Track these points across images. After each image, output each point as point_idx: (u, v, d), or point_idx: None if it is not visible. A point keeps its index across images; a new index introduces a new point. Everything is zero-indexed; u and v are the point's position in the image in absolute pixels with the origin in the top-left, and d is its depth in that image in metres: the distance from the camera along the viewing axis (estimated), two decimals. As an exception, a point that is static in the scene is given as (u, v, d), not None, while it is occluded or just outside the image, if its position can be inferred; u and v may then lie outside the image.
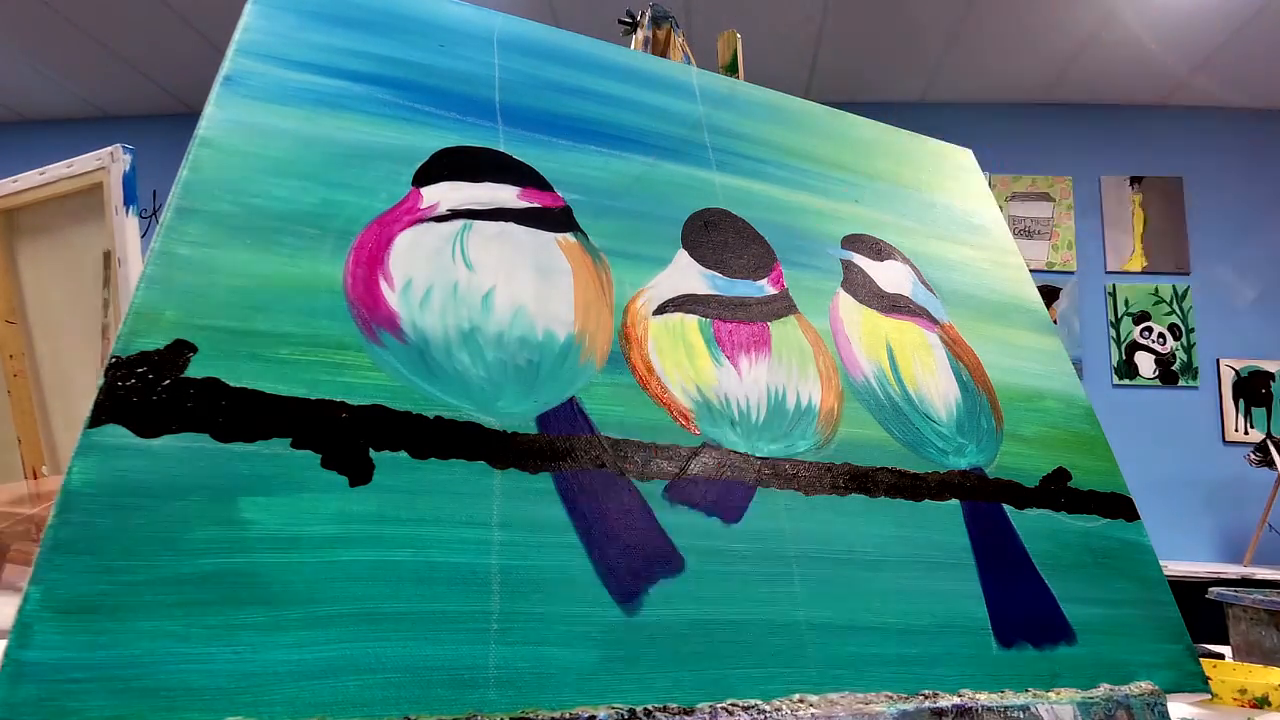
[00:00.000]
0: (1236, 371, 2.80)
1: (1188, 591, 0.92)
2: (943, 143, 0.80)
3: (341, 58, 0.50)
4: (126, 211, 0.77)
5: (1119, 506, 0.57)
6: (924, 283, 0.64)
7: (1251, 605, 0.75)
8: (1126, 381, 2.82)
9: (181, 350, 0.36)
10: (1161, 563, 0.56)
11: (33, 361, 0.90)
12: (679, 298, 0.51)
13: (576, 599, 0.38)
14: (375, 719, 0.32)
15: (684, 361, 0.48)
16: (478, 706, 0.33)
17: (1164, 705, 0.46)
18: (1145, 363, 2.83)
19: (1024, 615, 0.48)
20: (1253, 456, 2.31)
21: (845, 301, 0.58)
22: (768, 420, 0.49)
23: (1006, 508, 0.53)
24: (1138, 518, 0.57)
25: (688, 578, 0.41)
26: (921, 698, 0.41)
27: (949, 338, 0.61)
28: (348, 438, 0.37)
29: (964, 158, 0.80)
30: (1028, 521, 0.53)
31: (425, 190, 0.47)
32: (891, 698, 0.40)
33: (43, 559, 0.30)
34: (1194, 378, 2.81)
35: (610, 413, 0.44)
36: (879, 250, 0.64)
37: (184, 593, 0.31)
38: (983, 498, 0.53)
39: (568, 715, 0.34)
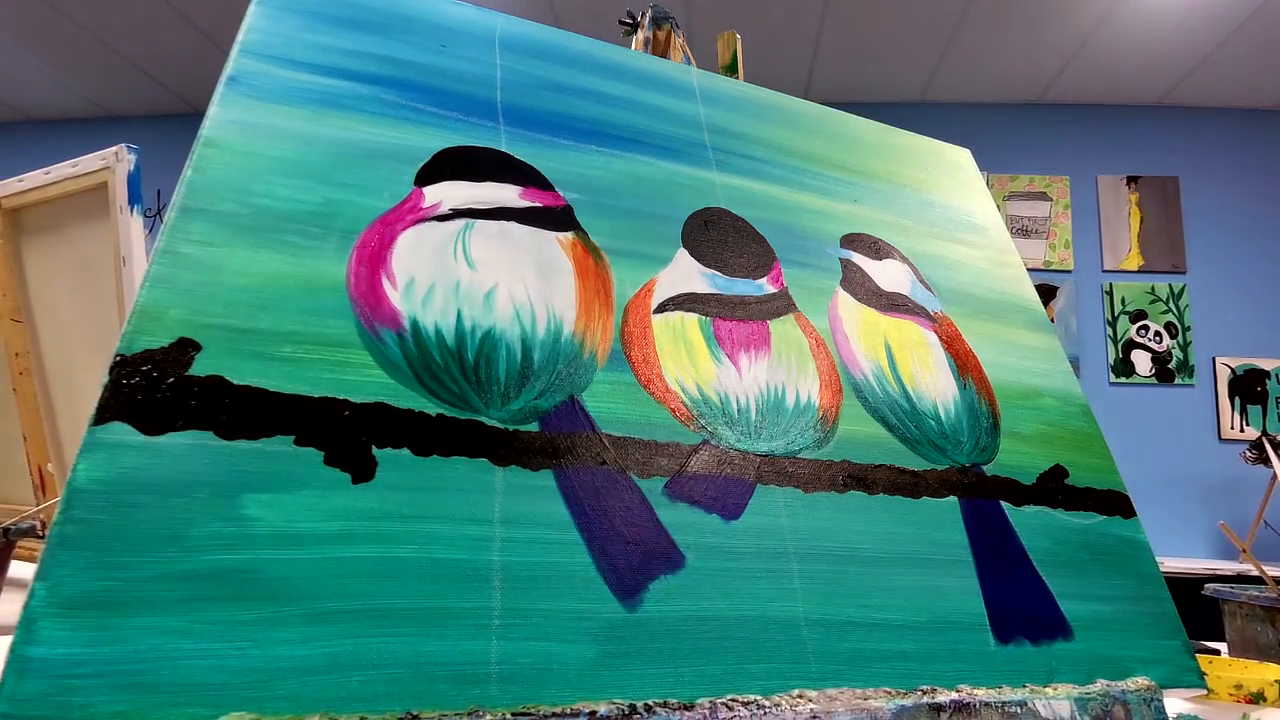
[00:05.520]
0: (1232, 369, 2.81)
1: (1184, 588, 0.93)
2: (941, 142, 0.80)
3: (344, 58, 0.50)
4: (131, 211, 0.77)
5: (1116, 504, 0.58)
6: (922, 281, 0.64)
7: (1247, 601, 0.75)
8: (1123, 380, 2.83)
9: (186, 348, 0.36)
10: (1158, 559, 0.56)
11: (38, 359, 0.91)
12: (679, 296, 0.51)
13: (577, 595, 0.38)
14: (377, 714, 0.32)
15: (684, 360, 0.49)
16: (479, 701, 0.33)
17: (1160, 701, 0.47)
18: (1142, 361, 2.84)
19: (1021, 611, 0.48)
20: (1248, 454, 2.31)
21: (844, 300, 0.59)
22: (767, 418, 0.49)
23: (1004, 505, 0.53)
24: (1134, 515, 0.58)
25: (688, 574, 0.41)
26: (920, 693, 0.41)
27: (947, 336, 0.61)
28: (350, 435, 0.37)
29: (962, 157, 0.80)
30: (1025, 519, 0.53)
31: (427, 190, 0.47)
32: (890, 693, 0.41)
33: (48, 555, 0.30)
34: (1190, 376, 2.82)
35: (611, 411, 0.44)
36: (878, 249, 0.64)
37: (188, 589, 0.31)
38: (981, 495, 0.53)
39: (569, 710, 0.34)
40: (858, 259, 0.62)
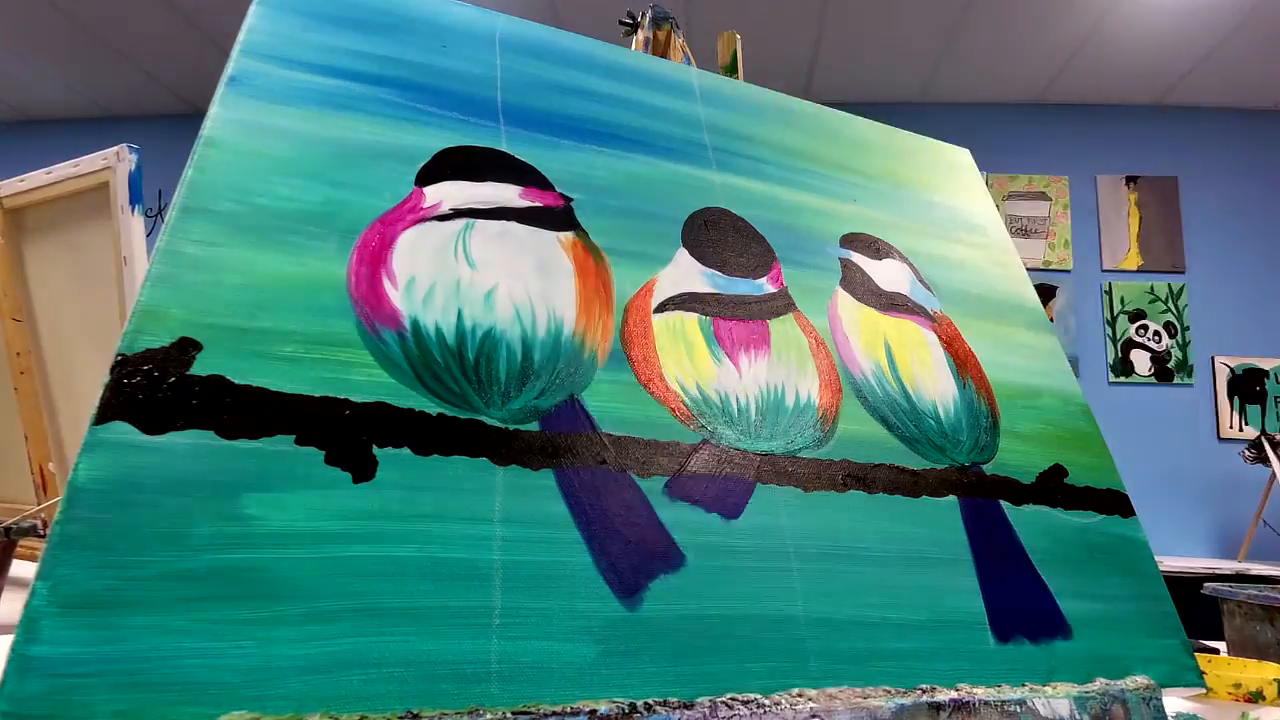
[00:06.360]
0: (1231, 369, 2.81)
1: (1183, 587, 0.93)
2: (941, 142, 0.80)
3: (345, 58, 0.50)
4: (132, 210, 0.78)
5: (1115, 503, 0.58)
6: (922, 281, 0.65)
7: (1246, 600, 0.75)
8: (1122, 379, 2.83)
9: (187, 348, 0.36)
10: (1157, 558, 0.56)
11: (39, 359, 0.91)
12: (679, 296, 0.51)
13: (578, 594, 0.38)
14: (378, 713, 0.32)
15: (684, 359, 0.49)
16: (480, 700, 0.34)
17: (1159, 699, 0.47)
18: (1141, 360, 2.84)
19: (1021, 610, 0.48)
20: (1247, 453, 2.32)
21: (844, 299, 0.59)
22: (767, 417, 0.49)
23: (1004, 504, 0.53)
24: (1133, 514, 0.58)
25: (688, 573, 0.41)
26: (919, 692, 0.41)
27: (946, 335, 0.61)
28: (351, 435, 0.37)
29: (962, 157, 0.81)
30: (1025, 518, 0.53)
31: (428, 189, 0.47)
32: (890, 692, 0.41)
33: (49, 555, 0.30)
34: (1189, 375, 2.82)
35: (611, 410, 0.45)
36: (877, 249, 0.64)
37: (189, 588, 0.32)
38: (980, 494, 0.53)
39: (569, 709, 0.34)
40: (857, 259, 0.62)
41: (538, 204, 0.50)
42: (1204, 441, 2.77)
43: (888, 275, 0.62)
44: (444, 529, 0.37)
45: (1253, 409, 2.77)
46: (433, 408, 0.40)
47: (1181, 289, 2.88)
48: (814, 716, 0.38)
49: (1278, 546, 2.53)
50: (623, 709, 0.35)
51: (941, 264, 0.67)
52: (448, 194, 0.48)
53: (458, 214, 0.47)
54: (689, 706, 0.36)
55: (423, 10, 0.56)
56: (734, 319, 0.52)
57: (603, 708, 0.35)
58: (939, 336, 0.61)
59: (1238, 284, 2.88)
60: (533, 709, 0.34)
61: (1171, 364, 2.82)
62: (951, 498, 0.52)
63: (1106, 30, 2.65)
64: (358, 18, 0.53)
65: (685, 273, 0.53)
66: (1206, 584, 0.80)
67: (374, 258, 0.43)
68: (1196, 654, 0.54)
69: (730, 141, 0.63)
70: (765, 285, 0.56)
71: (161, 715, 0.29)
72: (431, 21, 0.56)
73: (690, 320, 0.51)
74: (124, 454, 0.33)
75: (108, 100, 3.28)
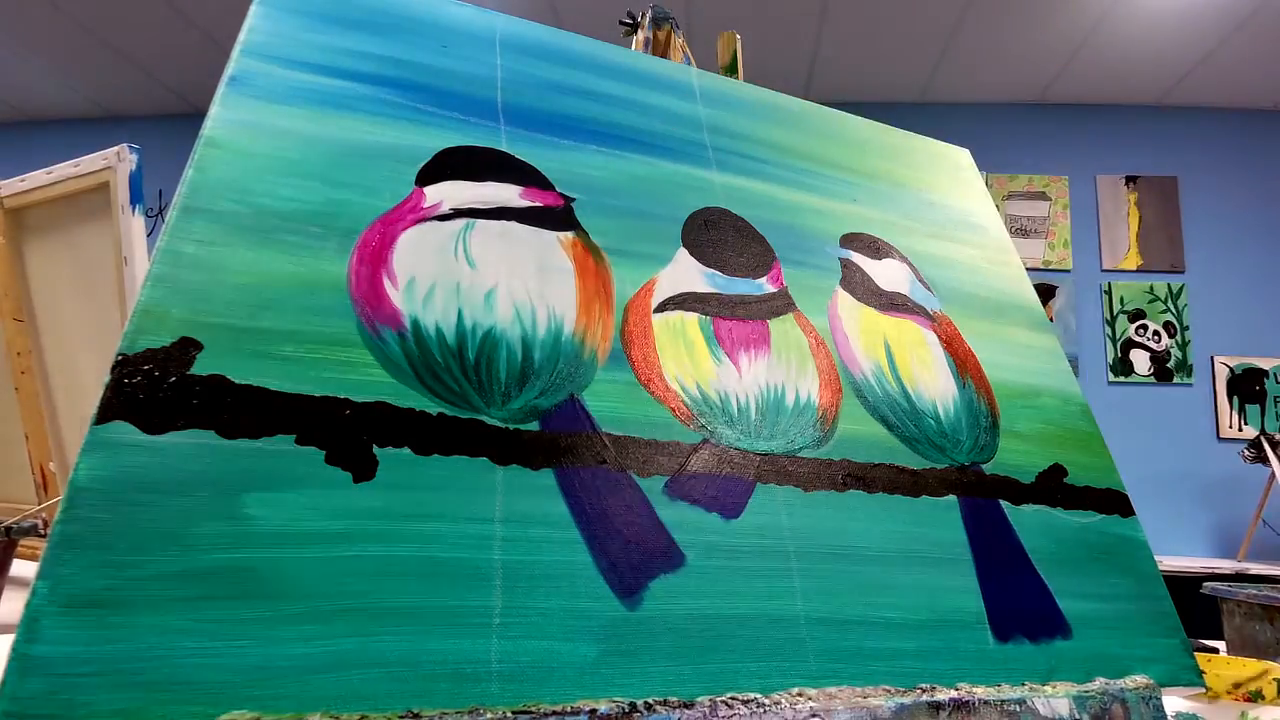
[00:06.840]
0: (1231, 368, 2.81)
1: (1182, 586, 0.93)
2: (940, 142, 0.80)
3: (345, 58, 0.51)
4: (133, 210, 0.78)
5: (1115, 502, 0.58)
6: (922, 281, 0.65)
7: (1245, 600, 0.75)
8: (1122, 379, 2.84)
9: (187, 348, 0.36)
10: (1156, 558, 0.56)
11: (40, 359, 0.91)
12: (679, 295, 0.51)
13: (578, 594, 0.38)
14: (378, 712, 0.32)
15: (684, 359, 0.49)
16: (480, 700, 0.34)
17: (1159, 699, 0.47)
18: (1140, 360, 2.84)
19: (1020, 610, 0.48)
20: (1246, 453, 2.32)
21: (844, 299, 0.59)
22: (767, 417, 0.49)
23: (1003, 504, 0.53)
24: (1133, 513, 0.58)
25: (688, 573, 0.41)
26: (919, 691, 0.41)
27: (946, 335, 0.62)
28: (351, 434, 0.37)
29: (961, 157, 0.81)
30: (1024, 517, 0.53)
31: (428, 189, 0.47)
32: (890, 691, 0.41)
33: (50, 554, 0.30)
34: (1189, 375, 2.82)
35: (611, 410, 0.45)
36: (877, 249, 0.64)
37: (189, 587, 0.32)
38: (980, 494, 0.53)
39: (569, 709, 0.34)
40: (857, 258, 0.62)
41: (538, 204, 0.50)
42: (1204, 441, 2.77)
43: (888, 275, 0.63)
44: (444, 529, 0.37)
45: (1252, 409, 2.78)
46: (433, 407, 0.40)
47: (1181, 289, 2.88)
48: (814, 716, 0.38)
49: (1277, 546, 2.53)
50: (623, 709, 0.35)
51: (941, 264, 0.67)
52: (448, 194, 0.48)
53: (458, 214, 0.47)
54: (689, 706, 0.36)
55: (423, 10, 0.56)
56: (734, 319, 0.52)
57: (603, 707, 0.35)
58: (939, 336, 0.61)
59: (1237, 284, 2.89)
60: (533, 708, 0.34)
61: (1171, 364, 2.83)
62: (951, 497, 0.52)
63: (1106, 30, 2.65)
64: (358, 18, 0.53)
65: (685, 272, 0.53)
66: (1206, 584, 0.81)
67: (374, 257, 0.43)
68: (1196, 654, 0.54)
69: (730, 141, 0.63)
70: (765, 285, 0.56)
71: (161, 715, 0.29)
72: (431, 21, 0.56)
73: (690, 320, 0.51)
74: (124, 454, 0.33)
75: (108, 100, 3.28)
